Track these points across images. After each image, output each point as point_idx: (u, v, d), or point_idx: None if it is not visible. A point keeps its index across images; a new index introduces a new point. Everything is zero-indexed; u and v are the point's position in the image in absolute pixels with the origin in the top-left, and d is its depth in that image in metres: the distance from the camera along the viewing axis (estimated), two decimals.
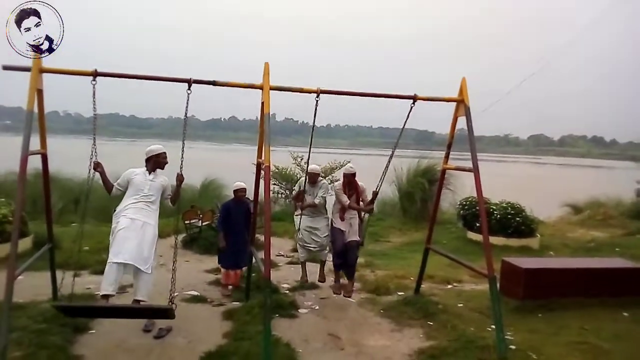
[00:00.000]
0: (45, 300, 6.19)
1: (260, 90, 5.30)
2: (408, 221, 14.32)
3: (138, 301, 5.05)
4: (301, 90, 5.50)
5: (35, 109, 4.99)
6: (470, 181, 6.16)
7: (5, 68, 4.80)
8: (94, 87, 4.97)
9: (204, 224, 10.14)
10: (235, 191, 7.24)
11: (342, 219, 6.70)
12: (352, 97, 6.01)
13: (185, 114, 5.21)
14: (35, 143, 5.07)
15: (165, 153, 5.67)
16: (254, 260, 6.46)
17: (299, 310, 6.55)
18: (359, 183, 6.85)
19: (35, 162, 5.44)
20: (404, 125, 5.98)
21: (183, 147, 5.09)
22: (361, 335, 5.80)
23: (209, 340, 5.35)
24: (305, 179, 6.85)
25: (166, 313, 4.74)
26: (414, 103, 5.72)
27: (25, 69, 4.82)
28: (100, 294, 5.01)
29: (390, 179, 15.39)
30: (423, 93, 5.73)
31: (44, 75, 5.01)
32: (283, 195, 17.14)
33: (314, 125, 5.89)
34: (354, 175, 6.81)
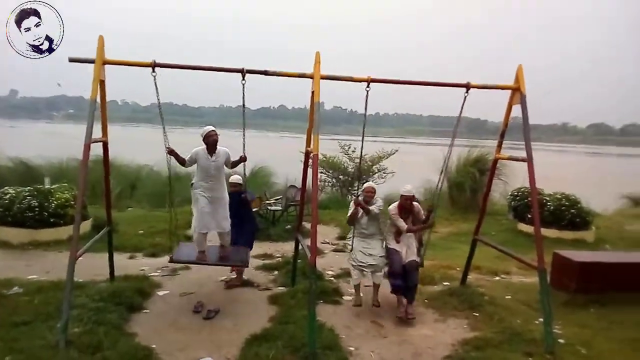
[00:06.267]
0: (102, 280, 6.56)
1: (311, 80, 5.33)
2: (456, 211, 14.06)
3: (223, 246, 6.41)
4: (351, 79, 5.48)
5: (98, 99, 5.23)
6: (522, 171, 5.99)
7: (71, 60, 5.03)
8: (154, 78, 5.18)
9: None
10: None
11: (398, 241, 6.18)
12: (402, 85, 5.96)
13: (243, 103, 5.53)
14: (95, 131, 5.34)
15: (212, 131, 6.10)
16: (300, 246, 6.57)
17: (343, 297, 6.63)
18: (414, 203, 6.31)
19: (94, 149, 5.73)
20: (460, 115, 5.77)
21: (244, 132, 5.71)
22: (404, 324, 5.81)
23: (255, 323, 5.52)
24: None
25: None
26: (467, 91, 5.57)
27: (89, 61, 5.03)
28: (198, 250, 6.18)
29: (439, 169, 15.15)
30: (474, 80, 5.58)
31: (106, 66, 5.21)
32: (330, 184, 17.22)
33: (365, 115, 5.53)
34: (412, 198, 6.26)
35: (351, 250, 6.21)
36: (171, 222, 6.13)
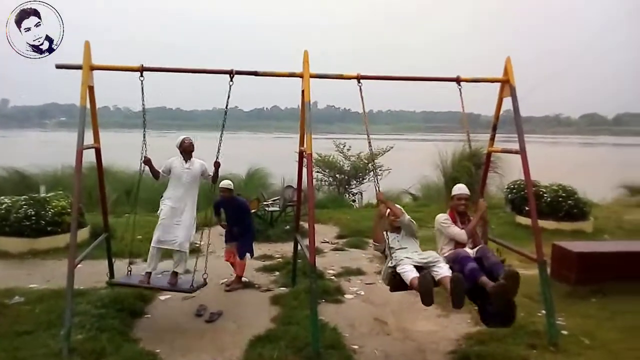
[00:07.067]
0: (103, 287, 6.53)
1: (301, 79, 5.34)
2: None
3: (176, 273, 5.75)
4: (341, 77, 5.48)
5: (88, 105, 5.21)
6: (518, 164, 5.98)
7: (58, 67, 5.01)
8: (141, 83, 5.17)
9: None
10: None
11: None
12: (394, 82, 5.96)
13: (227, 104, 5.37)
14: (88, 138, 5.32)
15: (186, 139, 5.98)
16: (299, 246, 6.56)
17: (345, 296, 6.64)
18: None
19: (89, 156, 5.72)
20: (463, 110, 5.66)
21: (221, 136, 5.38)
22: (407, 320, 5.81)
23: (257, 324, 5.52)
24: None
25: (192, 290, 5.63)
26: (459, 84, 5.56)
27: (77, 67, 5.01)
28: (145, 271, 5.74)
29: (435, 164, 15.20)
30: (468, 70, 5.58)
31: (96, 71, 5.19)
32: (327, 183, 17.24)
33: (364, 111, 5.27)
34: (467, 199, 5.14)
35: (390, 259, 4.70)
36: (132, 229, 5.92)
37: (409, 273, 4.40)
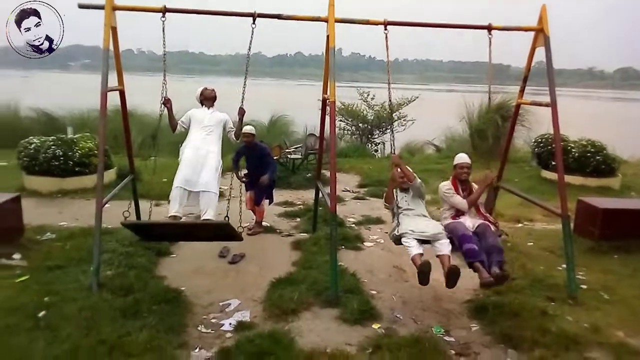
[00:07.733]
0: None
1: (326, 24, 5.18)
2: (478, 159, 13.88)
3: (205, 220, 5.22)
4: (367, 22, 5.31)
5: (111, 47, 5.19)
6: (546, 118, 5.82)
7: (80, 6, 4.96)
8: (163, 23, 5.07)
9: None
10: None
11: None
12: (422, 30, 5.76)
13: (249, 48, 5.18)
14: (112, 80, 5.33)
15: (206, 88, 5.91)
16: (320, 194, 6.61)
17: (364, 243, 6.72)
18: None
19: (114, 99, 5.75)
20: (490, 61, 5.46)
21: (245, 82, 5.19)
22: None
23: (279, 267, 5.65)
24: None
25: (227, 231, 4.73)
26: (490, 33, 5.36)
27: (99, 7, 4.96)
28: (168, 215, 5.35)
29: (461, 115, 14.91)
30: (497, 22, 5.36)
31: (119, 14, 5.12)
32: (349, 132, 17.13)
33: (388, 58, 5.09)
34: (470, 167, 5.20)
35: (397, 226, 4.90)
36: (154, 171, 5.67)
37: (413, 249, 4.67)
